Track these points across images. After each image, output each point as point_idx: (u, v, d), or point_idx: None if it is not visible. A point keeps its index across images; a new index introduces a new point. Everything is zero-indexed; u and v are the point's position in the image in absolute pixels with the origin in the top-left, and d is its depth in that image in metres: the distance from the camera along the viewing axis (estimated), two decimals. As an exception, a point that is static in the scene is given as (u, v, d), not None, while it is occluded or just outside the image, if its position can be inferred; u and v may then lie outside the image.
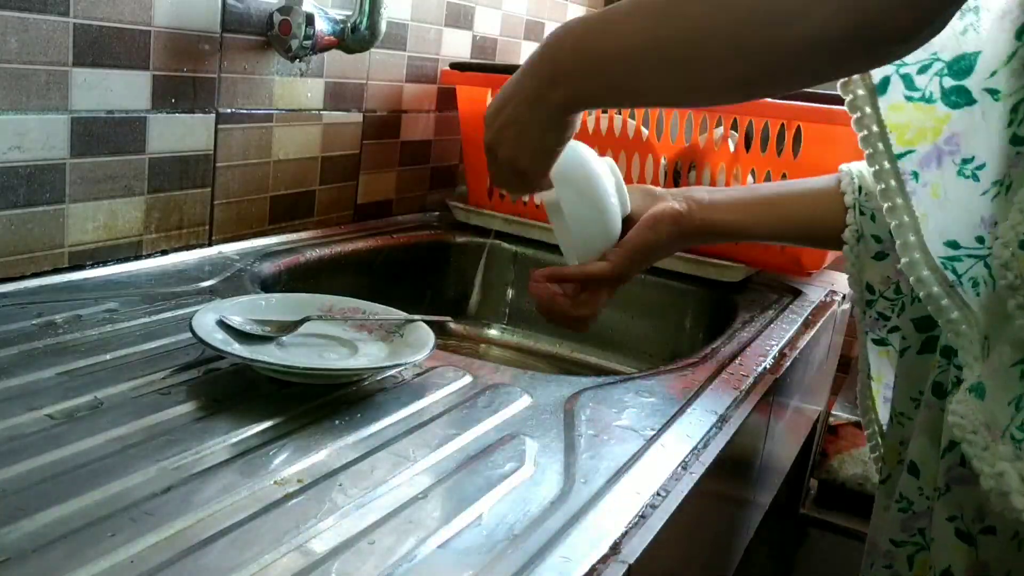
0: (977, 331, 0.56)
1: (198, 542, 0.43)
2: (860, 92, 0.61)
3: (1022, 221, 0.48)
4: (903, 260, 0.59)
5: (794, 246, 1.06)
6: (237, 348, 0.63)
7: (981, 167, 0.57)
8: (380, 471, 0.53)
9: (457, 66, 1.26)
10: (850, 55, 0.49)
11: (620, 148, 1.15)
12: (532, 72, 0.64)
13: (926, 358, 0.66)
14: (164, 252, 0.92)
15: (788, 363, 0.86)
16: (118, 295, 0.78)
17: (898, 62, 0.59)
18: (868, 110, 0.60)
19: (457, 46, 1.33)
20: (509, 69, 1.23)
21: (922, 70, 0.59)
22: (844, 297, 1.17)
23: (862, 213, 0.76)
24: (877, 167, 0.60)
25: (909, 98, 0.59)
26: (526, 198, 1.22)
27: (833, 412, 1.55)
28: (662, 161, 1.14)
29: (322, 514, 0.47)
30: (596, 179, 0.75)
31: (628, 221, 0.79)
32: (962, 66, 0.57)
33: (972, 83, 0.57)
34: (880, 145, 0.60)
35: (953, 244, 0.57)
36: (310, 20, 0.94)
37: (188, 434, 0.54)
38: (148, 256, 0.90)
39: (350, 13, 1.00)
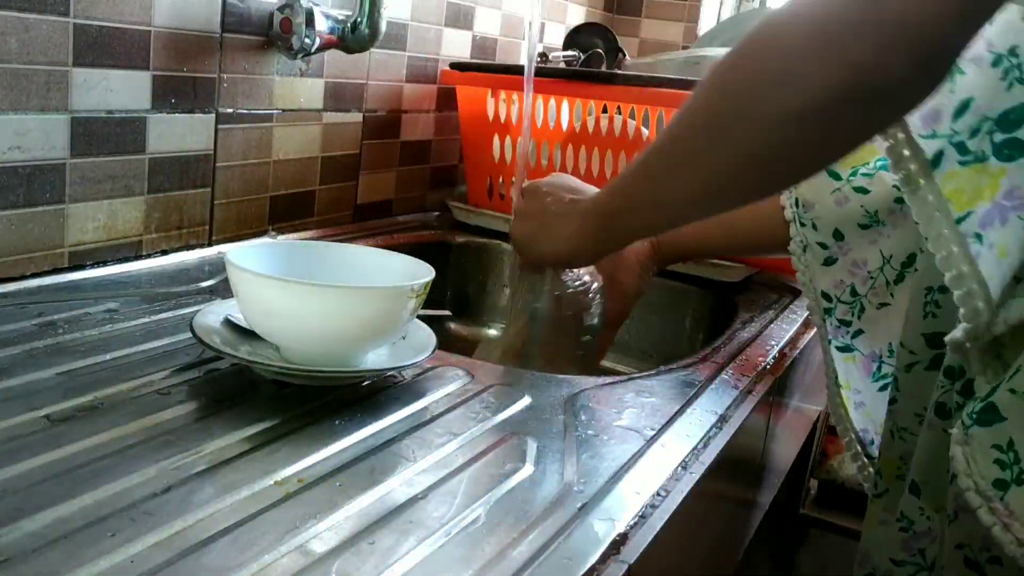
0: None
1: (198, 542, 0.43)
2: (913, 167, 0.58)
3: None
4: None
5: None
6: (236, 349, 0.63)
7: None
8: (380, 471, 0.53)
9: (457, 66, 1.26)
10: (852, 115, 0.49)
11: (620, 148, 1.15)
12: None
13: (933, 375, 0.64)
14: (164, 252, 0.92)
15: (788, 363, 0.86)
16: (118, 295, 0.78)
17: (949, 132, 0.56)
18: (922, 182, 0.57)
19: (457, 46, 1.33)
20: (509, 69, 1.23)
21: (973, 134, 0.56)
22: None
23: (802, 224, 0.76)
24: (936, 235, 0.57)
25: (963, 163, 0.56)
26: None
27: (833, 412, 1.54)
28: (662, 161, 1.14)
29: (322, 514, 0.47)
30: None
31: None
32: (1011, 119, 0.55)
33: None
34: (938, 214, 0.56)
35: None
36: (310, 17, 0.95)
37: (188, 434, 0.54)
38: (148, 256, 0.90)
39: (350, 13, 1.00)
